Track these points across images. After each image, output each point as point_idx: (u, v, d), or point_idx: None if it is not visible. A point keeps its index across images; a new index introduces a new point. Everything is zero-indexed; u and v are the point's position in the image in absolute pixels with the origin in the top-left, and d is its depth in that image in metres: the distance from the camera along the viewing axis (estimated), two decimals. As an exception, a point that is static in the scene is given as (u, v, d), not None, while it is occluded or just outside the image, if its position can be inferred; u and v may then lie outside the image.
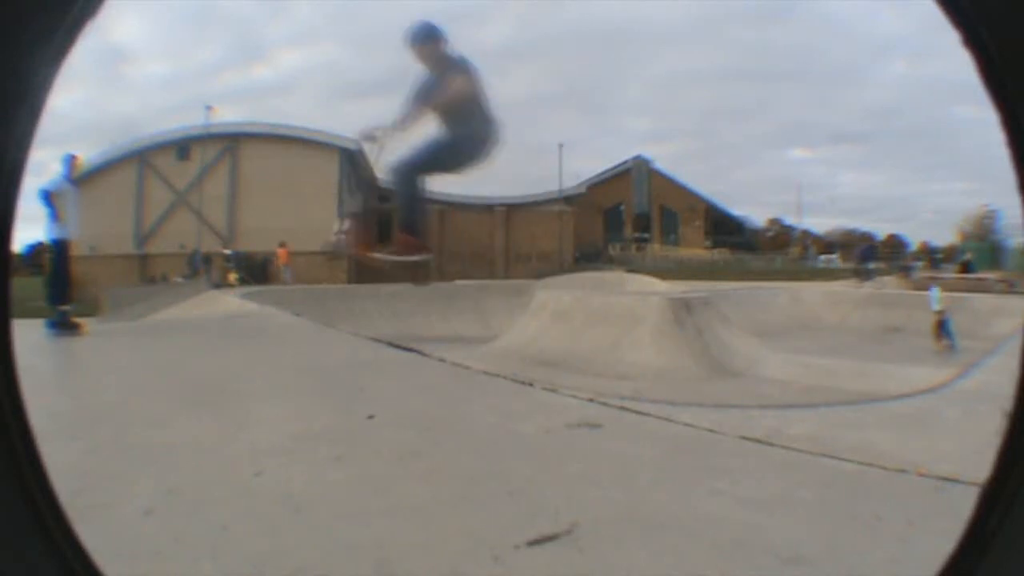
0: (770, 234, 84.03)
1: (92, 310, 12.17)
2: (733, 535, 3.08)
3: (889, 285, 31.08)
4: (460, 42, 5.40)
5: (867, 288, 29.48)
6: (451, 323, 22.94)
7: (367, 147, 5.40)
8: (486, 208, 57.23)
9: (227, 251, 39.90)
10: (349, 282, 40.84)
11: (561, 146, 63.96)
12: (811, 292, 26.75)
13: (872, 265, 37.90)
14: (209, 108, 45.80)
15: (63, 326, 11.53)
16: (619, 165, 68.26)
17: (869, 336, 20.76)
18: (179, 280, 33.85)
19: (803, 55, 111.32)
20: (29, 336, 11.34)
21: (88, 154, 43.02)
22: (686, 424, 5.23)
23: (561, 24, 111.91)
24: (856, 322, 22.99)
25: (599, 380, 10.14)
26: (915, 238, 79.18)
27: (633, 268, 46.66)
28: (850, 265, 45.89)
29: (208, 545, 3.00)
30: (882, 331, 21.43)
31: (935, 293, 18.70)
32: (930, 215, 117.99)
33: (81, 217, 12.23)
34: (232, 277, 37.54)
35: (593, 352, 13.14)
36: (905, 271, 36.31)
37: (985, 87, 1.18)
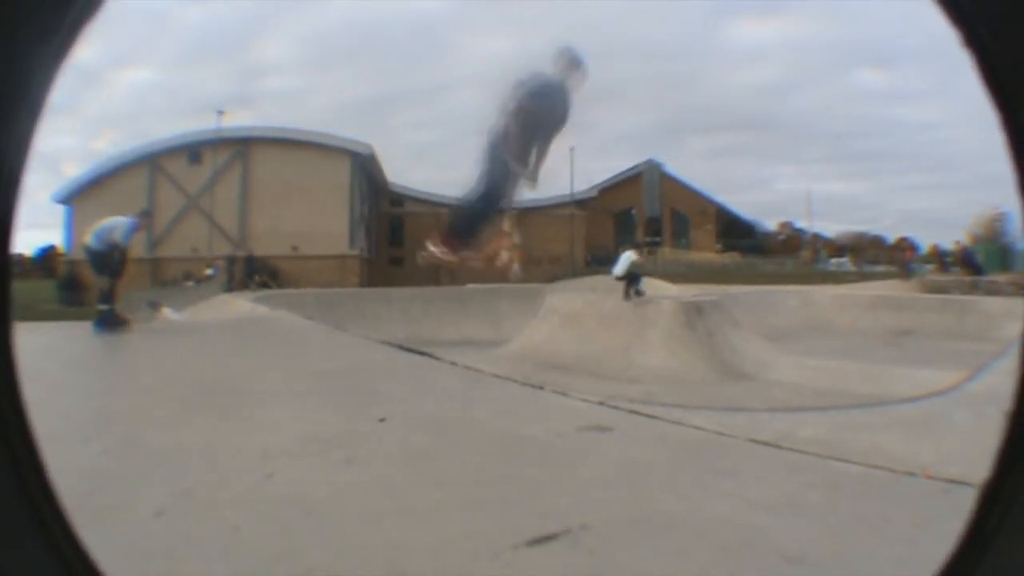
0: (781, 238, 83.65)
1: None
2: (741, 536, 3.09)
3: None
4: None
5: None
6: (462, 327, 22.94)
7: None
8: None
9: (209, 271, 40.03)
10: (360, 285, 40.98)
11: (572, 149, 63.68)
12: (821, 296, 26.65)
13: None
14: (221, 112, 46.00)
15: (110, 323, 12.24)
16: (630, 169, 68.12)
17: (880, 339, 20.67)
18: (191, 284, 34.06)
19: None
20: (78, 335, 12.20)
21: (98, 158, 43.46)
22: (696, 427, 5.24)
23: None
24: (867, 325, 22.89)
25: (610, 383, 10.15)
26: (925, 240, 78.47)
27: (644, 272, 46.58)
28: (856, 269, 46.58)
29: (220, 545, 3.02)
30: (893, 334, 21.33)
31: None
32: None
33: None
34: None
35: (604, 355, 13.16)
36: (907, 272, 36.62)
37: (985, 88, 1.18)
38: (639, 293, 18.39)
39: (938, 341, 18.16)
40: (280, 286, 36.41)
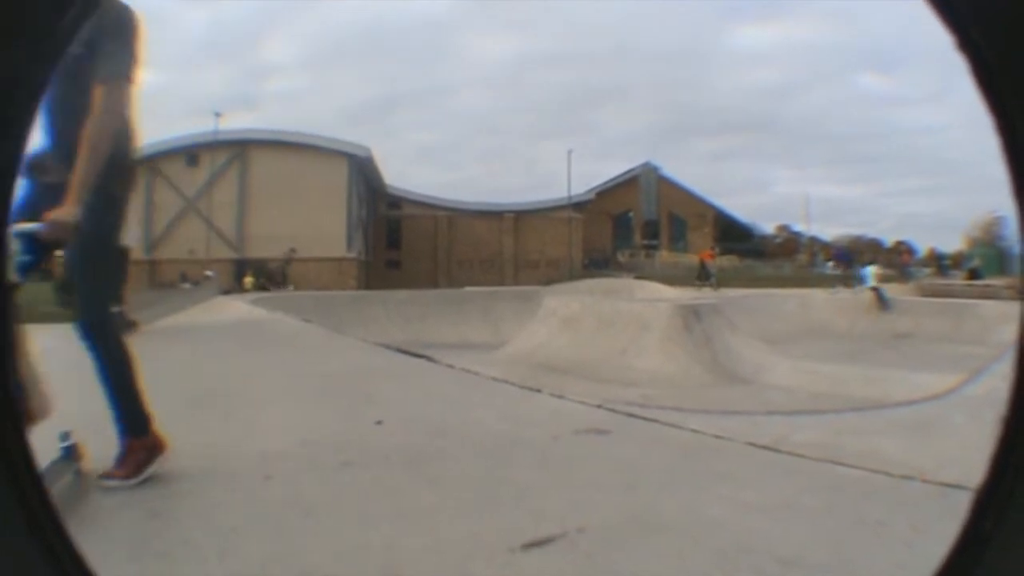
0: (778, 240, 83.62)
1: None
2: (738, 540, 3.09)
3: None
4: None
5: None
6: (460, 329, 22.96)
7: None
8: (495, 215, 57.31)
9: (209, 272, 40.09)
10: (358, 288, 41.03)
11: (570, 152, 63.91)
12: (818, 299, 26.69)
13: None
14: (218, 115, 46.06)
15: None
16: (627, 172, 68.18)
17: (878, 342, 20.71)
18: (187, 286, 34.02)
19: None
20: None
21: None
22: (693, 430, 5.24)
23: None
24: (864, 328, 22.94)
25: (607, 386, 10.14)
26: (922, 244, 78.29)
27: (642, 275, 46.60)
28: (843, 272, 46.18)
29: (216, 547, 3.02)
30: (891, 337, 21.38)
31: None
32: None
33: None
34: (248, 282, 37.94)
35: (602, 358, 13.15)
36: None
37: (980, 92, 1.18)
38: (884, 305, 23.95)
39: (936, 344, 18.21)
40: (281, 288, 36.58)
